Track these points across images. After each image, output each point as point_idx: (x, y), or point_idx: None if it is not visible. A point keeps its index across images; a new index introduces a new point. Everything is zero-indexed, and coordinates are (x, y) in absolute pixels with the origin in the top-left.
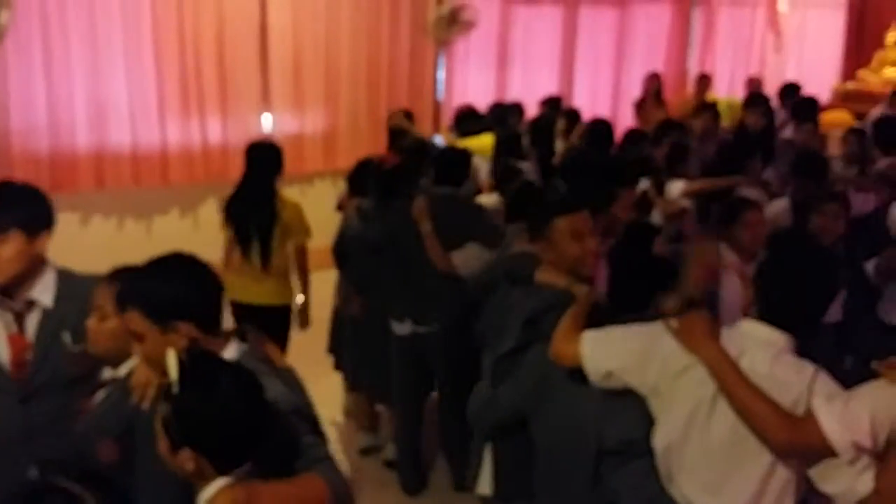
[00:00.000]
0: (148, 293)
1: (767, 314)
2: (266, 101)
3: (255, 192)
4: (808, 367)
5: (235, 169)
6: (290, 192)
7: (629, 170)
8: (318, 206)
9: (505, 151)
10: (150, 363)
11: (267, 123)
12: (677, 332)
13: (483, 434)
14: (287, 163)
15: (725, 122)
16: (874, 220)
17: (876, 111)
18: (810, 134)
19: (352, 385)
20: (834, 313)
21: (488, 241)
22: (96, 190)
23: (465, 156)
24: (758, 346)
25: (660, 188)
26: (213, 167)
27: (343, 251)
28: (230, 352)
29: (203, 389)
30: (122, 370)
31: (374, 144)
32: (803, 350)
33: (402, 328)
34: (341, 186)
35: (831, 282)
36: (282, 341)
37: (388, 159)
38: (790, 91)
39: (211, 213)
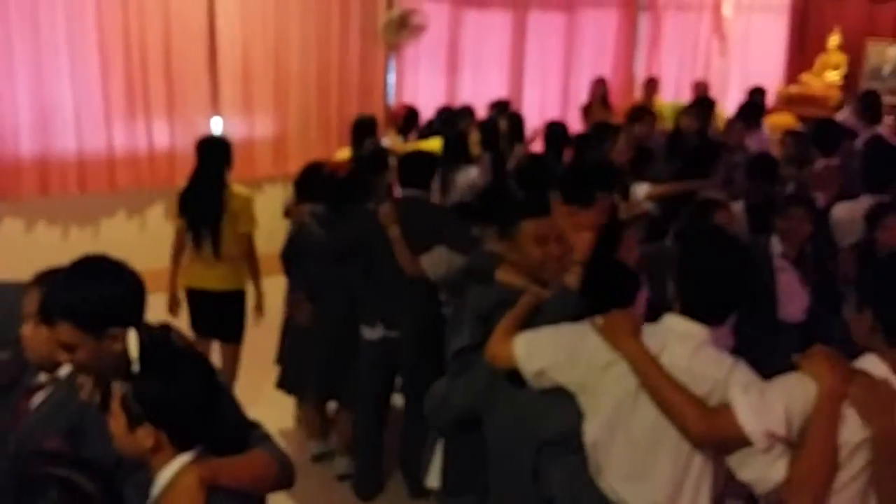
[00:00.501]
0: (76, 304)
1: (684, 307)
2: (215, 106)
3: (206, 183)
4: (727, 359)
5: (183, 173)
6: None
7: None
8: (268, 211)
9: (452, 155)
10: (85, 370)
11: (216, 127)
12: (601, 330)
13: (438, 430)
14: (236, 167)
15: (671, 125)
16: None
17: (841, 115)
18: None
19: (299, 394)
20: (798, 313)
21: (456, 243)
22: (41, 196)
23: (430, 159)
24: (678, 340)
25: (624, 192)
26: (161, 172)
27: (292, 257)
28: None
29: (163, 368)
30: (63, 370)
31: (325, 149)
32: (768, 350)
33: (372, 333)
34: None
35: (744, 273)
36: (238, 325)
37: (342, 165)
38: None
39: (158, 218)
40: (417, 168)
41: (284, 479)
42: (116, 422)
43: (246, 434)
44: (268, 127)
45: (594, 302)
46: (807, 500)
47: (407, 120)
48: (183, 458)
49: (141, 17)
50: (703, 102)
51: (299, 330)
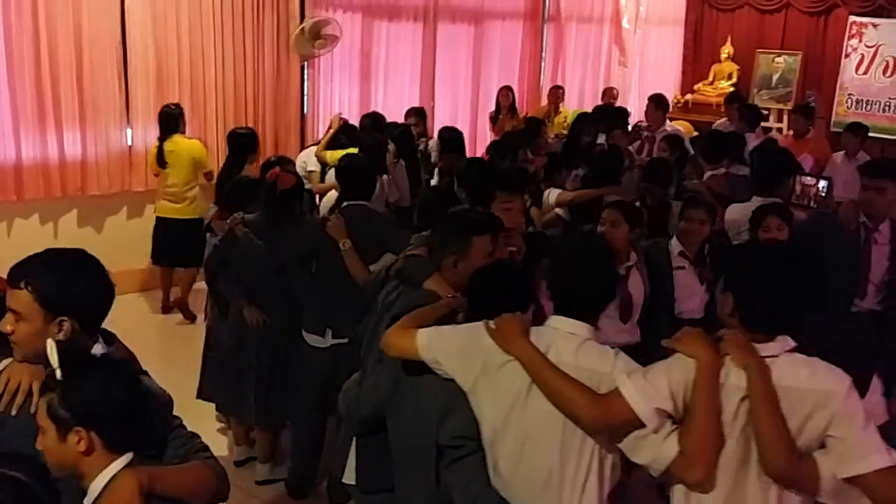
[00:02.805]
0: (49, 282)
1: (559, 307)
2: (128, 115)
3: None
4: (610, 351)
5: (95, 183)
6: (153, 208)
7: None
8: None
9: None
10: (18, 345)
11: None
12: (492, 332)
13: (351, 428)
14: (150, 177)
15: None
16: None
17: (721, 124)
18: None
19: (224, 410)
20: (696, 309)
21: (402, 251)
22: None
23: (371, 168)
24: (563, 338)
25: (537, 197)
26: (72, 182)
27: (217, 270)
28: (96, 349)
29: (88, 371)
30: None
31: None
32: (651, 346)
33: (321, 341)
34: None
35: (606, 269)
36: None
37: (284, 178)
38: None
39: (70, 228)
40: (360, 178)
41: (220, 491)
42: (45, 436)
43: (166, 436)
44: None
45: (483, 304)
46: (700, 472)
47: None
48: (118, 463)
49: (51, 26)
50: (608, 109)
51: (220, 343)
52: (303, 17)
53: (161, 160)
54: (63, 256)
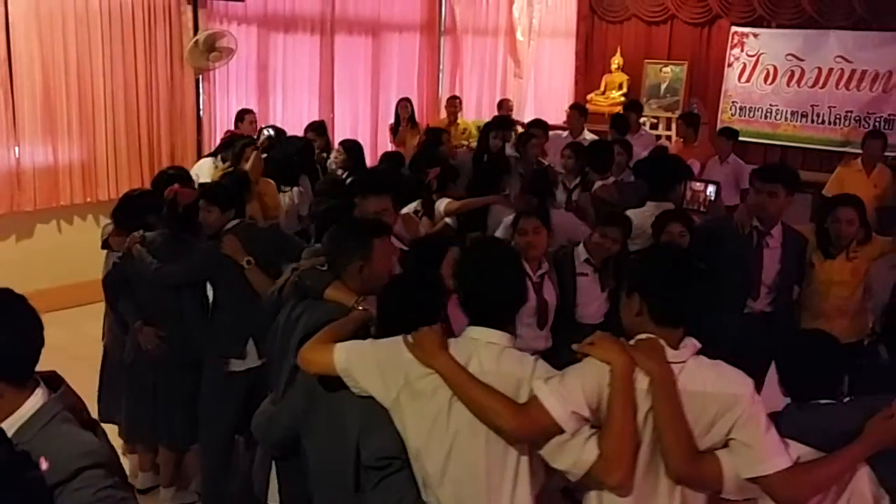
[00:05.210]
0: None
1: (473, 316)
2: (15, 133)
3: None
4: (530, 358)
5: None
6: (46, 227)
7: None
8: (78, 241)
9: (274, 176)
10: None
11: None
12: (411, 346)
13: (267, 450)
14: (40, 196)
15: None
16: None
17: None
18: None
19: (127, 436)
20: (596, 315)
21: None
22: None
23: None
24: (484, 347)
25: (429, 208)
26: None
27: (119, 286)
28: (35, 399)
29: None
30: None
31: (137, 174)
32: (557, 349)
33: (245, 364)
34: (102, 220)
35: (515, 275)
36: None
37: (185, 193)
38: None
39: None
40: (241, 195)
41: None
42: None
43: None
44: (73, 153)
45: (393, 318)
46: (620, 474)
47: (225, 144)
48: None
49: None
50: (504, 120)
51: (116, 362)
52: (197, 29)
53: None
54: None
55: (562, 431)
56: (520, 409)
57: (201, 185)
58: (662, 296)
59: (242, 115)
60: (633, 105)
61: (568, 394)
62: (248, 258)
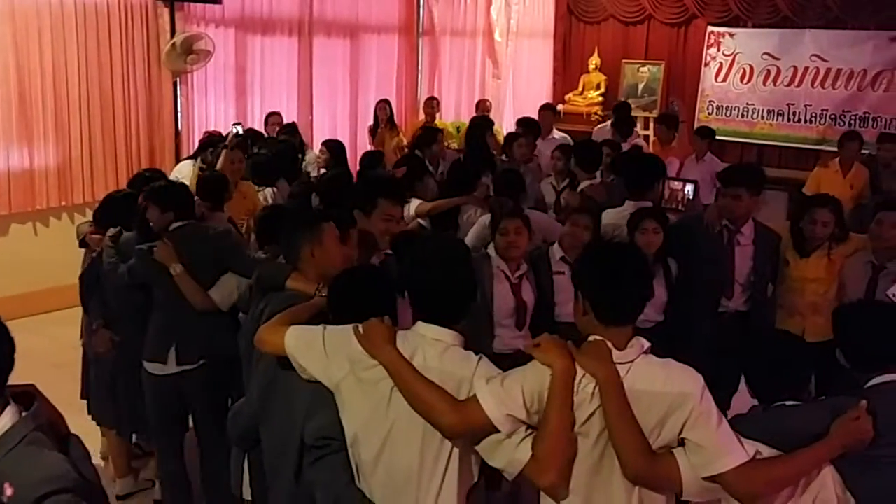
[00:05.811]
0: None
1: (422, 312)
2: None
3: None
4: (473, 357)
5: None
6: (22, 229)
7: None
8: (54, 244)
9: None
10: None
11: None
12: (360, 336)
13: (233, 443)
14: (16, 200)
15: (454, 143)
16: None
17: (601, 131)
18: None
19: (107, 425)
20: (573, 314)
21: (243, 268)
22: None
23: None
24: (429, 344)
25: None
26: None
27: (90, 285)
28: (4, 421)
29: None
30: None
31: (113, 176)
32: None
33: (165, 368)
34: (80, 221)
35: (464, 272)
36: None
37: None
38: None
39: None
40: (186, 197)
41: None
42: None
43: None
44: (49, 156)
45: (343, 309)
46: (551, 476)
47: (205, 146)
48: None
49: None
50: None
51: (98, 359)
52: (174, 32)
53: None
54: None
55: (497, 430)
56: (458, 407)
57: None
58: (600, 294)
59: (268, 118)
60: (625, 107)
61: (506, 395)
62: (176, 265)
